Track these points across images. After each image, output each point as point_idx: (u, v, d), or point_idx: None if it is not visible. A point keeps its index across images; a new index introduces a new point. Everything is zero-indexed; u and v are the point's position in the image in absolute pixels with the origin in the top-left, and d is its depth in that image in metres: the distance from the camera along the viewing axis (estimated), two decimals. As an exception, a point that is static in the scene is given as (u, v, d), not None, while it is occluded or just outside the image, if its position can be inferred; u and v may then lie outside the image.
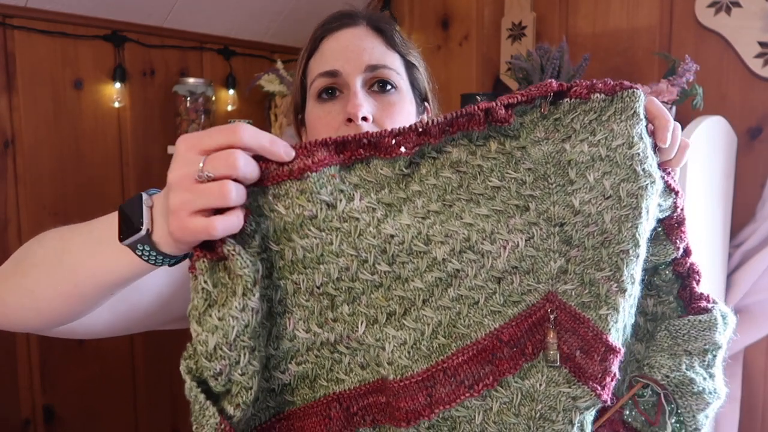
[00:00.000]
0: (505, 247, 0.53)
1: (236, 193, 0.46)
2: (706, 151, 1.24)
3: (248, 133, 0.46)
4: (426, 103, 0.85)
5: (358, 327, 0.53)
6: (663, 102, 1.27)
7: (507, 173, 0.54)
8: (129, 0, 1.65)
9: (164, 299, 0.69)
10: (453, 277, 0.53)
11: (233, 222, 0.46)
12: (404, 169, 0.53)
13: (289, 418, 0.55)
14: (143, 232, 0.49)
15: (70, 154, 1.65)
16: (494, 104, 0.54)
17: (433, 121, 0.52)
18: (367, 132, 0.51)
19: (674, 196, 0.59)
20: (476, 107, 0.53)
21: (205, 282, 0.47)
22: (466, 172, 0.54)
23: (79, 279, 0.54)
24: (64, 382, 1.68)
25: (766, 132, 1.41)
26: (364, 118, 0.72)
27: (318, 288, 0.52)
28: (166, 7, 1.73)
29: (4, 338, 1.57)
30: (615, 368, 0.54)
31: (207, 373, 0.47)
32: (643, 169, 0.54)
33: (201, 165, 0.45)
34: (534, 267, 0.54)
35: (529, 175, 0.55)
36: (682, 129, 1.19)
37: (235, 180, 0.46)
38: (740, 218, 1.43)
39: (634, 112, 0.54)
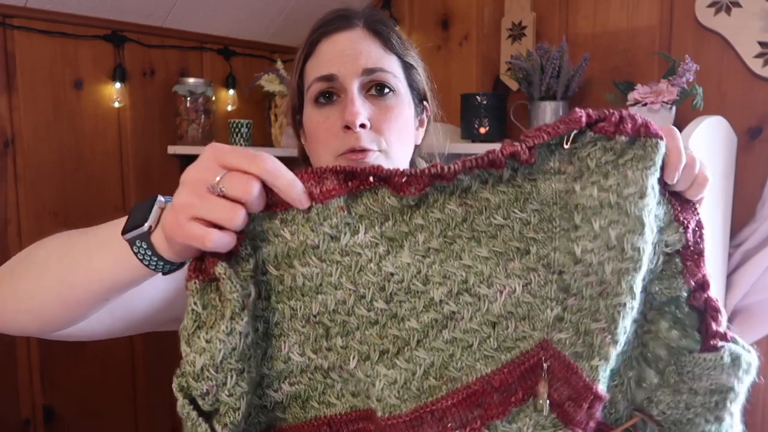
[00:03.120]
0: (501, 292, 0.52)
1: (241, 220, 0.46)
2: (706, 151, 1.24)
3: (272, 168, 0.47)
4: (425, 103, 0.84)
5: (349, 361, 0.52)
6: (663, 102, 1.27)
7: (513, 212, 0.53)
8: (129, 0, 1.65)
9: (163, 303, 0.69)
10: (449, 318, 0.52)
11: (227, 242, 0.46)
12: (411, 202, 0.52)
13: None
14: (145, 227, 0.49)
15: (70, 154, 1.65)
16: (520, 148, 0.51)
17: (449, 167, 0.50)
18: (379, 167, 0.50)
19: (683, 231, 0.56)
20: (501, 153, 0.50)
21: (195, 303, 0.48)
22: (472, 206, 0.52)
23: (76, 281, 0.54)
24: (64, 382, 1.68)
25: (766, 132, 1.41)
26: (362, 125, 0.72)
27: (314, 317, 0.52)
28: (166, 7, 1.73)
29: (4, 338, 1.57)
30: (599, 413, 0.54)
31: (194, 393, 0.48)
32: (650, 222, 0.52)
33: (219, 178, 0.46)
34: (530, 313, 0.53)
35: (534, 216, 0.53)
36: (682, 129, 1.19)
37: (242, 205, 0.47)
38: (740, 218, 1.43)
39: (653, 163, 0.51)
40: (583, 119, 0.51)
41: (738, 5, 1.39)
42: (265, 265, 0.51)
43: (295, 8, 1.96)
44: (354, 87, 0.74)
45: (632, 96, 1.31)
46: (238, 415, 0.49)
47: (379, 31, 0.78)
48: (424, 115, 0.85)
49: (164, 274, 0.53)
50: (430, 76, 0.85)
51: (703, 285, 0.58)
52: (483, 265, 0.52)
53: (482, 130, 1.60)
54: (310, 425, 0.55)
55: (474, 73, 1.89)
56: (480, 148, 1.59)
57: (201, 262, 0.48)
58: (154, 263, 0.51)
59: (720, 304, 0.58)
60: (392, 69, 0.77)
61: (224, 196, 0.46)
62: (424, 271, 0.52)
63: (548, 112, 1.49)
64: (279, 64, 1.88)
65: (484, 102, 1.59)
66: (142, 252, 0.50)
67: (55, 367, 1.66)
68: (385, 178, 0.50)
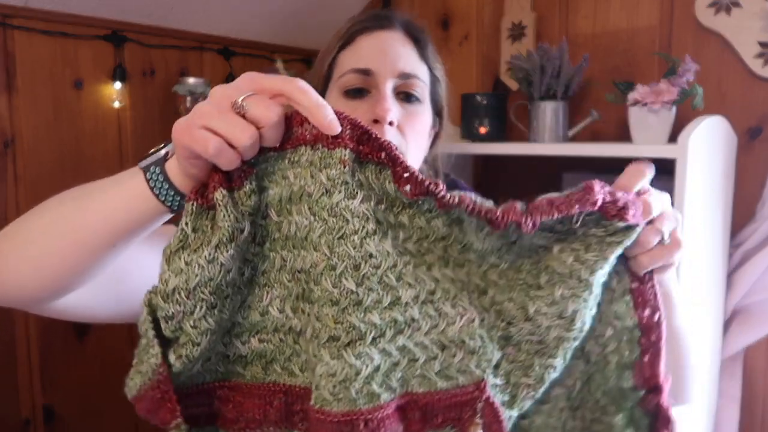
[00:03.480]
0: (462, 316, 0.51)
1: (251, 141, 0.45)
2: (706, 151, 1.24)
3: (304, 86, 0.46)
4: (438, 118, 0.86)
5: (306, 330, 0.50)
6: (663, 102, 1.27)
7: (488, 256, 0.51)
8: (129, 0, 1.65)
9: None
10: (408, 325, 0.50)
11: (230, 157, 0.45)
12: (404, 200, 0.49)
13: (234, 389, 0.53)
14: (162, 153, 0.50)
15: (70, 154, 1.65)
16: (523, 220, 0.47)
17: (451, 197, 0.47)
18: (393, 146, 0.48)
19: (637, 319, 0.52)
20: (502, 217, 0.47)
21: (186, 224, 0.47)
22: (455, 236, 0.50)
23: (86, 222, 0.53)
24: (64, 382, 1.68)
25: (766, 132, 1.41)
26: (390, 123, 0.74)
27: (298, 272, 0.49)
28: (166, 7, 1.73)
29: (4, 338, 1.57)
30: None
31: (160, 313, 0.47)
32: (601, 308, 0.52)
33: (243, 97, 0.45)
34: (479, 349, 0.51)
35: (505, 263, 0.51)
36: (681, 129, 1.20)
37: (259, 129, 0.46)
38: (740, 218, 1.43)
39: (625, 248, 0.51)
40: (599, 202, 0.48)
41: (738, 5, 1.39)
42: (268, 209, 0.49)
43: (295, 8, 1.96)
44: (389, 86, 0.76)
45: (632, 96, 1.31)
46: (197, 350, 0.47)
47: (418, 39, 0.81)
48: (436, 129, 0.87)
49: (173, 211, 0.52)
50: (449, 94, 0.88)
51: (656, 388, 0.53)
52: (450, 284, 0.51)
53: (482, 130, 1.60)
54: (267, 389, 0.53)
55: (474, 73, 1.89)
56: (480, 148, 1.59)
57: (204, 188, 0.48)
58: (165, 192, 0.50)
59: (672, 413, 0.53)
60: (424, 78, 0.80)
61: (244, 117, 0.45)
62: (399, 267, 0.49)
63: (548, 112, 1.49)
64: (279, 64, 1.88)
65: (484, 102, 1.59)
66: (155, 178, 0.50)
67: (55, 367, 1.66)
68: (393, 161, 0.48)
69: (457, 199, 0.47)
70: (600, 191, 0.48)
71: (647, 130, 1.31)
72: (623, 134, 1.50)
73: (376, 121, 0.74)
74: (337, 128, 0.46)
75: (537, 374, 0.52)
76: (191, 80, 1.81)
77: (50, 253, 0.54)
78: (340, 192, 0.47)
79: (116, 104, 1.73)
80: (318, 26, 2.04)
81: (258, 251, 0.50)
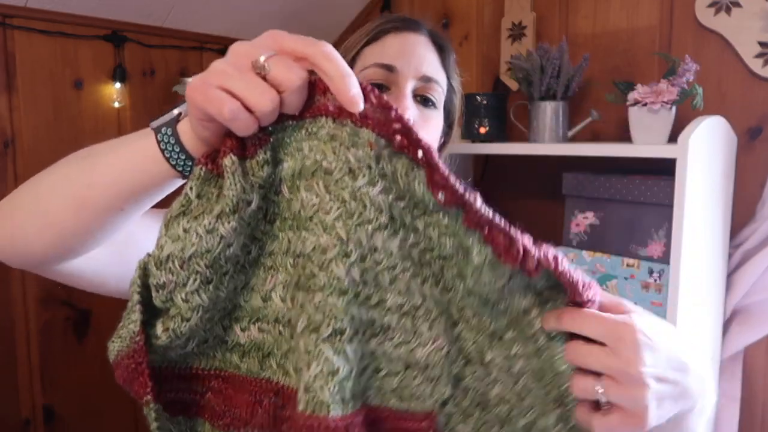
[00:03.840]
0: (434, 341, 0.48)
1: (271, 107, 0.42)
2: (706, 151, 1.24)
3: (329, 52, 0.42)
4: (448, 129, 0.88)
5: (298, 323, 0.45)
6: (663, 102, 1.27)
7: (479, 291, 0.46)
8: (129, 0, 1.65)
9: None
10: (383, 330, 0.47)
11: (246, 122, 0.42)
12: (431, 206, 0.45)
13: (228, 380, 0.50)
14: (174, 112, 0.47)
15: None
16: (531, 255, 0.43)
17: (483, 211, 0.43)
18: (431, 148, 0.43)
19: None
20: (518, 245, 0.42)
21: (191, 189, 0.44)
22: (458, 260, 0.45)
23: (94, 180, 0.50)
24: (64, 382, 1.68)
25: (766, 132, 1.41)
26: None
27: (298, 257, 0.45)
28: (166, 7, 1.73)
29: (4, 338, 1.57)
30: None
31: (152, 280, 0.44)
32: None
33: (266, 57, 0.41)
34: (438, 379, 0.48)
35: (486, 306, 0.47)
36: (681, 129, 1.20)
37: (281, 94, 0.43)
38: (740, 218, 1.43)
39: None
40: (585, 299, 0.45)
41: (738, 5, 1.39)
42: (281, 185, 0.45)
43: (295, 8, 1.96)
44: (409, 86, 0.77)
45: (632, 96, 1.31)
46: (185, 326, 0.44)
47: (442, 47, 0.83)
48: (443, 139, 0.89)
49: (183, 176, 0.49)
50: (462, 108, 0.90)
51: None
52: (434, 305, 0.47)
53: (482, 130, 1.60)
54: (259, 385, 0.49)
55: (474, 73, 1.89)
56: (480, 148, 1.59)
57: (216, 153, 0.44)
58: (176, 155, 0.47)
59: None
60: (442, 85, 0.81)
61: (265, 79, 0.41)
62: (397, 271, 0.46)
63: (548, 112, 1.49)
64: (279, 64, 1.88)
65: (484, 102, 1.59)
66: (166, 140, 0.47)
67: (55, 367, 1.66)
68: (430, 165, 0.43)
69: (488, 217, 0.43)
70: (594, 293, 0.46)
71: (647, 130, 1.31)
72: (623, 134, 1.50)
73: None
74: (359, 104, 0.42)
75: (475, 427, 0.49)
76: (191, 80, 1.81)
77: (56, 211, 0.52)
78: (364, 176, 0.43)
79: (116, 104, 1.73)
80: (318, 26, 2.04)
81: (268, 230, 0.46)
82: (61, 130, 1.64)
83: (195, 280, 0.43)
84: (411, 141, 0.43)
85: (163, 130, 0.47)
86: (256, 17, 1.93)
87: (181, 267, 0.43)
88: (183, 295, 0.44)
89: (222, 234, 0.43)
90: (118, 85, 1.72)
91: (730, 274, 1.42)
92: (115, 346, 0.46)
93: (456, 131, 1.76)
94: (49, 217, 0.52)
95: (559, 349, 0.46)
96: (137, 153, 0.49)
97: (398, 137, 0.43)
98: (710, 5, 1.44)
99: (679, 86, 1.28)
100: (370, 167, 0.43)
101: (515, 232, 0.42)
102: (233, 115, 0.41)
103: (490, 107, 1.60)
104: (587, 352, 0.44)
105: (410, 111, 0.75)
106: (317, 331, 0.44)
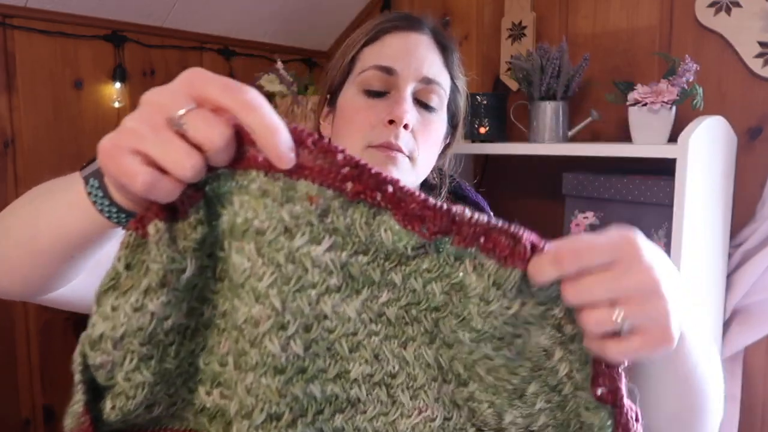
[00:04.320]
0: (420, 412, 0.42)
1: (193, 172, 0.35)
2: (706, 151, 1.24)
3: (252, 102, 0.36)
4: (452, 130, 0.86)
5: (230, 409, 0.41)
6: (663, 102, 1.27)
7: (483, 342, 0.40)
8: (129, 0, 1.65)
9: None
10: (350, 404, 0.42)
11: (167, 190, 0.36)
12: (409, 251, 0.39)
13: None
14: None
15: (70, 154, 1.65)
16: (540, 248, 0.39)
17: (478, 219, 0.38)
18: (397, 181, 0.38)
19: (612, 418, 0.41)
20: (524, 240, 0.38)
21: (119, 260, 0.38)
22: (453, 305, 0.41)
23: (38, 232, 0.47)
24: (64, 382, 1.68)
25: (766, 132, 1.41)
26: (405, 126, 0.73)
27: (234, 328, 0.40)
28: (166, 7, 1.73)
29: (4, 338, 1.57)
30: None
31: (89, 361, 0.39)
32: None
33: (183, 111, 0.35)
34: None
35: (500, 359, 0.41)
36: (681, 130, 1.20)
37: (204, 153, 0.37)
38: (740, 218, 1.43)
39: None
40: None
41: (738, 5, 1.39)
42: (222, 242, 0.39)
43: (295, 8, 1.96)
44: (409, 88, 0.75)
45: (632, 96, 1.31)
46: (132, 403, 0.40)
47: (445, 46, 0.80)
48: (448, 140, 0.86)
49: (124, 228, 0.43)
50: (468, 108, 0.88)
51: None
52: (421, 370, 0.42)
53: (482, 130, 1.60)
54: None
55: (474, 73, 1.89)
56: (480, 148, 1.59)
57: (148, 213, 0.38)
58: (107, 208, 0.42)
59: None
60: (444, 86, 0.78)
61: (184, 136, 0.35)
62: (359, 337, 0.41)
63: (548, 112, 1.49)
64: (279, 64, 1.88)
65: (484, 102, 1.59)
66: (94, 192, 0.42)
67: (55, 367, 1.66)
68: (398, 200, 0.38)
69: (479, 226, 0.38)
70: None
71: (647, 130, 1.31)
72: (623, 134, 1.50)
73: (391, 122, 0.73)
74: (287, 161, 0.36)
75: None
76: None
77: (14, 257, 0.50)
78: (303, 234, 0.38)
79: (116, 104, 1.73)
80: (318, 26, 2.04)
81: (219, 288, 0.41)
82: (61, 130, 1.64)
83: (132, 359, 0.39)
84: (366, 183, 0.38)
85: (90, 181, 0.42)
86: (256, 17, 1.93)
87: (114, 347, 0.38)
88: (122, 375, 0.39)
89: (152, 311, 0.38)
90: (118, 85, 1.71)
91: (730, 274, 1.42)
92: (68, 424, 0.42)
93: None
94: (10, 262, 0.50)
95: (584, 397, 0.41)
96: (71, 205, 0.45)
97: (349, 184, 0.38)
98: (710, 5, 1.44)
99: (679, 86, 1.28)
100: (311, 224, 0.38)
101: (517, 228, 0.38)
102: (149, 187, 0.35)
103: (490, 107, 1.60)
104: (592, 282, 0.37)
105: (410, 114, 0.73)
106: (249, 417, 0.39)
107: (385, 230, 0.39)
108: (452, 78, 0.81)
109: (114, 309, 0.38)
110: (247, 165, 0.37)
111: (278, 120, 0.36)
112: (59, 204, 0.46)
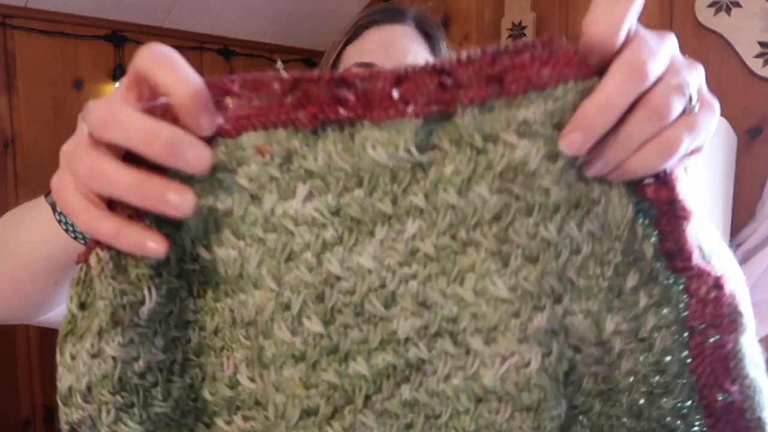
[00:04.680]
0: (504, 359, 0.33)
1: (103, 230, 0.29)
2: (706, 151, 1.24)
3: (163, 70, 0.28)
4: None
5: (267, 410, 0.35)
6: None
7: (571, 224, 0.31)
8: (129, 0, 1.65)
9: None
10: (414, 369, 0.33)
11: (107, 230, 0.29)
12: (415, 154, 0.30)
13: None
14: None
15: (70, 154, 1.66)
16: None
17: (467, 56, 0.29)
18: (353, 76, 0.29)
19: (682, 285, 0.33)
20: (560, 48, 0.28)
21: (72, 298, 0.33)
22: (519, 197, 0.30)
23: (16, 260, 0.46)
24: (64, 382, 1.68)
25: (766, 132, 1.41)
26: None
27: (248, 325, 0.33)
28: (166, 7, 1.73)
29: (4, 338, 1.57)
30: None
31: (68, 418, 0.35)
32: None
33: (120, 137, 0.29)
34: (539, 405, 0.33)
35: (593, 243, 0.32)
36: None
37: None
38: (740, 218, 1.43)
39: None
40: None
41: (738, 5, 1.39)
42: (196, 247, 0.32)
43: (295, 8, 1.96)
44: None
45: (632, 96, 1.32)
46: None
47: (430, 34, 0.76)
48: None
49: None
50: None
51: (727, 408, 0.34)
52: (489, 307, 0.32)
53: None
54: None
55: (474, 73, 1.89)
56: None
57: (90, 241, 0.32)
58: (80, 234, 0.41)
59: None
60: None
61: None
62: (390, 287, 0.32)
63: (548, 112, 1.49)
64: (279, 64, 1.88)
65: (484, 102, 1.60)
66: (64, 218, 0.42)
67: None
68: (364, 94, 0.29)
69: (476, 50, 0.29)
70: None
71: (647, 130, 1.31)
72: (623, 134, 1.50)
73: None
74: (206, 123, 0.29)
75: (595, 427, 0.36)
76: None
77: (2, 290, 0.49)
78: (271, 193, 0.31)
79: (116, 104, 1.73)
80: (318, 26, 2.04)
81: (201, 306, 0.34)
82: (61, 130, 1.64)
83: (109, 411, 0.33)
84: (319, 100, 0.29)
85: (58, 207, 0.40)
86: (256, 17, 1.93)
87: (85, 401, 0.33)
88: (106, 429, 0.34)
89: (111, 355, 0.32)
90: (118, 84, 1.72)
91: (730, 274, 1.42)
92: None
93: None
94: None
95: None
96: (43, 231, 0.43)
97: (300, 112, 0.29)
98: (710, 5, 1.44)
99: (679, 86, 1.28)
100: (274, 179, 0.31)
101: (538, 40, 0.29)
102: (86, 228, 0.30)
103: (490, 107, 1.60)
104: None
105: None
106: (284, 418, 0.34)
107: (373, 146, 0.30)
108: None
109: (73, 357, 0.34)
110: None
111: (192, 77, 0.28)
112: (31, 231, 0.45)
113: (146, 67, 0.29)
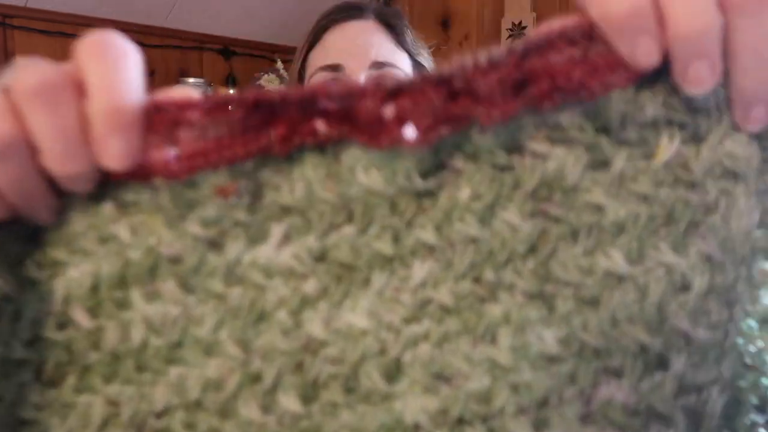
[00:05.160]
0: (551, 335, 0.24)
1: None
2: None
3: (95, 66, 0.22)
4: None
5: None
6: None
7: (695, 240, 0.23)
8: (129, 0, 1.65)
9: None
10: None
11: None
12: (417, 182, 0.24)
13: None
14: None
15: (70, 154, 1.66)
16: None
17: (487, 59, 0.23)
18: (325, 85, 0.24)
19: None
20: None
21: None
22: (559, 218, 0.24)
23: None
24: (64, 382, 1.68)
25: (766, 132, 1.41)
26: None
27: (157, 418, 0.25)
28: (166, 7, 1.73)
29: (4, 338, 1.57)
30: None
31: None
32: None
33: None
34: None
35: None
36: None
37: None
38: (740, 218, 1.44)
39: None
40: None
41: (738, 5, 1.40)
42: (69, 307, 0.24)
43: (295, 8, 1.96)
44: (362, 78, 0.71)
45: (632, 96, 1.32)
46: None
47: (393, 25, 0.75)
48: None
49: None
50: None
51: None
52: (539, 370, 0.24)
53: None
54: None
55: (474, 73, 1.89)
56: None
57: None
58: None
59: None
60: (403, 66, 0.74)
61: None
62: (395, 351, 0.24)
63: (548, 112, 1.49)
64: (279, 64, 1.88)
65: (484, 102, 1.60)
66: None
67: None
68: (346, 113, 0.23)
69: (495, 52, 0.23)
70: None
71: (647, 130, 1.31)
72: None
73: None
74: (116, 157, 0.22)
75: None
76: (191, 80, 1.81)
77: None
78: (236, 239, 0.24)
79: (116, 104, 1.73)
80: (318, 26, 2.04)
81: (51, 399, 0.25)
82: (61, 130, 1.64)
83: None
84: (292, 118, 0.23)
85: None
86: (256, 17, 1.93)
87: None
88: None
89: None
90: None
91: (730, 274, 1.42)
92: None
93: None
94: None
95: None
96: None
97: (271, 132, 0.23)
98: (710, 5, 1.44)
99: (679, 86, 1.29)
100: (241, 223, 0.24)
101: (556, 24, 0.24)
102: None
103: (490, 107, 1.60)
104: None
105: None
106: None
107: (365, 169, 0.24)
108: (411, 55, 0.76)
109: None
110: (128, 175, 0.23)
111: (129, 85, 0.22)
112: None
113: (82, 57, 0.23)
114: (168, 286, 0.24)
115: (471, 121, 0.23)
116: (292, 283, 0.24)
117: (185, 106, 0.24)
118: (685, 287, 0.23)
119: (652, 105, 0.24)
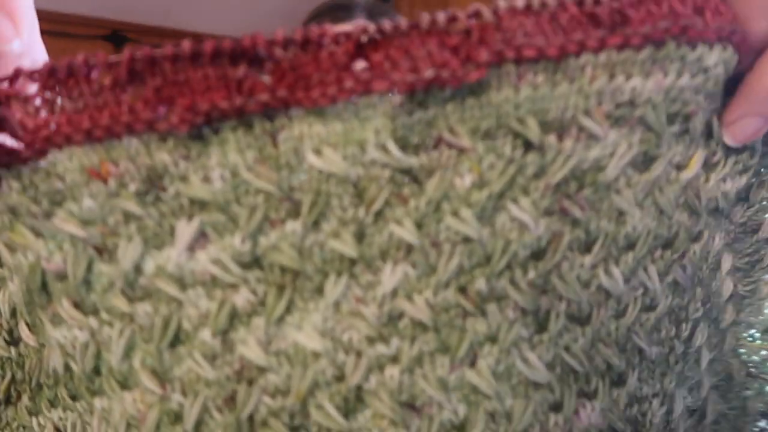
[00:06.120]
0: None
1: None
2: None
3: None
4: None
5: None
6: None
7: (676, 268, 0.22)
8: (129, 0, 1.65)
9: None
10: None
11: None
12: (396, 155, 0.18)
13: None
14: None
15: (70, 154, 1.66)
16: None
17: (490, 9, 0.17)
18: (260, 36, 0.17)
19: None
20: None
21: None
22: (578, 221, 0.20)
23: None
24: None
25: (765, 131, 1.41)
26: None
27: None
28: (166, 7, 1.73)
29: (4, 338, 1.57)
30: None
31: None
32: None
33: None
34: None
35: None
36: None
37: None
38: (740, 218, 1.44)
39: None
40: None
41: (738, 5, 1.40)
42: (17, 322, 0.21)
43: (295, 8, 1.96)
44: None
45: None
46: None
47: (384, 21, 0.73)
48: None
49: None
50: None
51: None
52: (520, 397, 0.20)
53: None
54: None
55: (474, 72, 1.89)
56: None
57: None
58: None
59: None
60: None
61: None
62: (355, 378, 0.19)
63: (548, 111, 1.49)
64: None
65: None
66: None
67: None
68: (293, 66, 0.17)
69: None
70: None
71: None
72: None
73: None
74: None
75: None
76: None
77: None
78: (130, 239, 0.18)
79: (116, 104, 1.73)
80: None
81: (10, 419, 0.23)
82: (61, 130, 1.64)
83: None
84: (181, 90, 0.18)
85: None
86: (255, 17, 1.94)
87: None
88: None
89: None
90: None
91: (730, 274, 1.42)
92: None
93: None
94: None
95: None
96: None
97: (169, 110, 0.18)
98: (710, 5, 1.44)
99: (678, 86, 1.29)
100: (133, 217, 0.18)
101: None
102: None
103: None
104: None
105: None
106: None
107: (316, 149, 0.18)
108: None
109: None
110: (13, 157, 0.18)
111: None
112: None
113: None
114: (64, 307, 0.19)
115: (485, 68, 0.17)
116: (217, 294, 0.19)
117: (33, 73, 0.19)
118: (651, 308, 0.21)
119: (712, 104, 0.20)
